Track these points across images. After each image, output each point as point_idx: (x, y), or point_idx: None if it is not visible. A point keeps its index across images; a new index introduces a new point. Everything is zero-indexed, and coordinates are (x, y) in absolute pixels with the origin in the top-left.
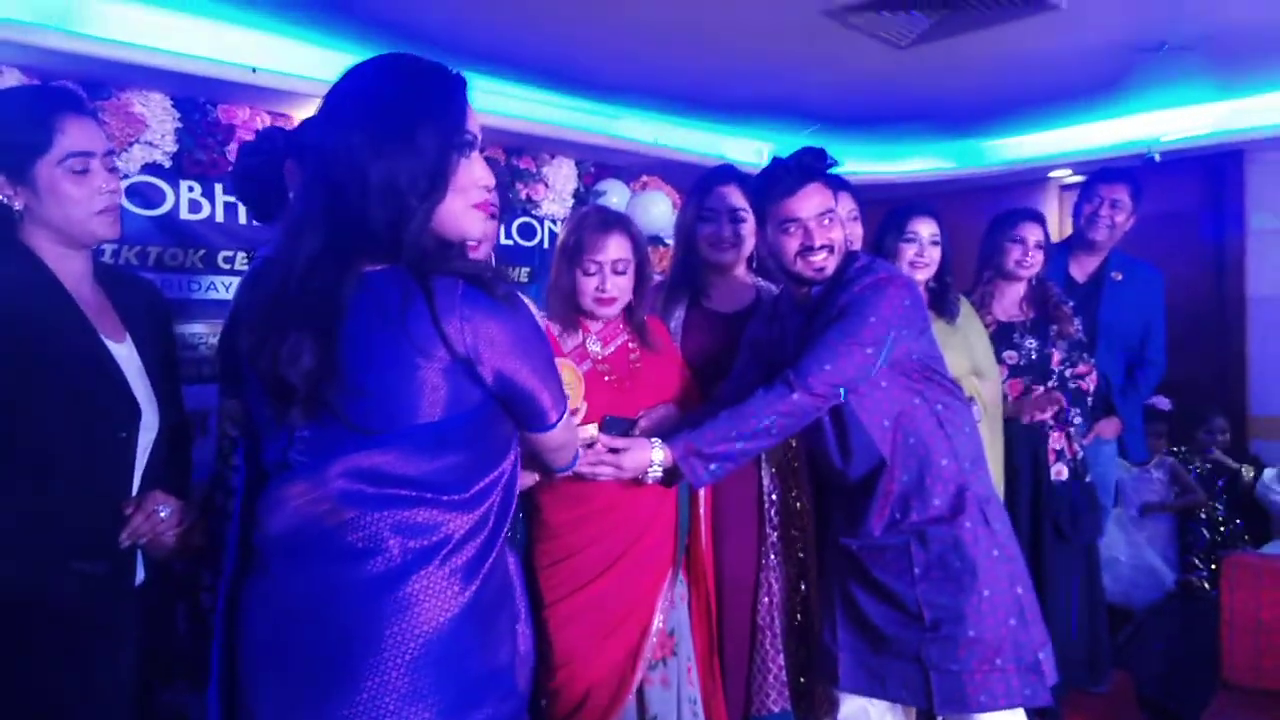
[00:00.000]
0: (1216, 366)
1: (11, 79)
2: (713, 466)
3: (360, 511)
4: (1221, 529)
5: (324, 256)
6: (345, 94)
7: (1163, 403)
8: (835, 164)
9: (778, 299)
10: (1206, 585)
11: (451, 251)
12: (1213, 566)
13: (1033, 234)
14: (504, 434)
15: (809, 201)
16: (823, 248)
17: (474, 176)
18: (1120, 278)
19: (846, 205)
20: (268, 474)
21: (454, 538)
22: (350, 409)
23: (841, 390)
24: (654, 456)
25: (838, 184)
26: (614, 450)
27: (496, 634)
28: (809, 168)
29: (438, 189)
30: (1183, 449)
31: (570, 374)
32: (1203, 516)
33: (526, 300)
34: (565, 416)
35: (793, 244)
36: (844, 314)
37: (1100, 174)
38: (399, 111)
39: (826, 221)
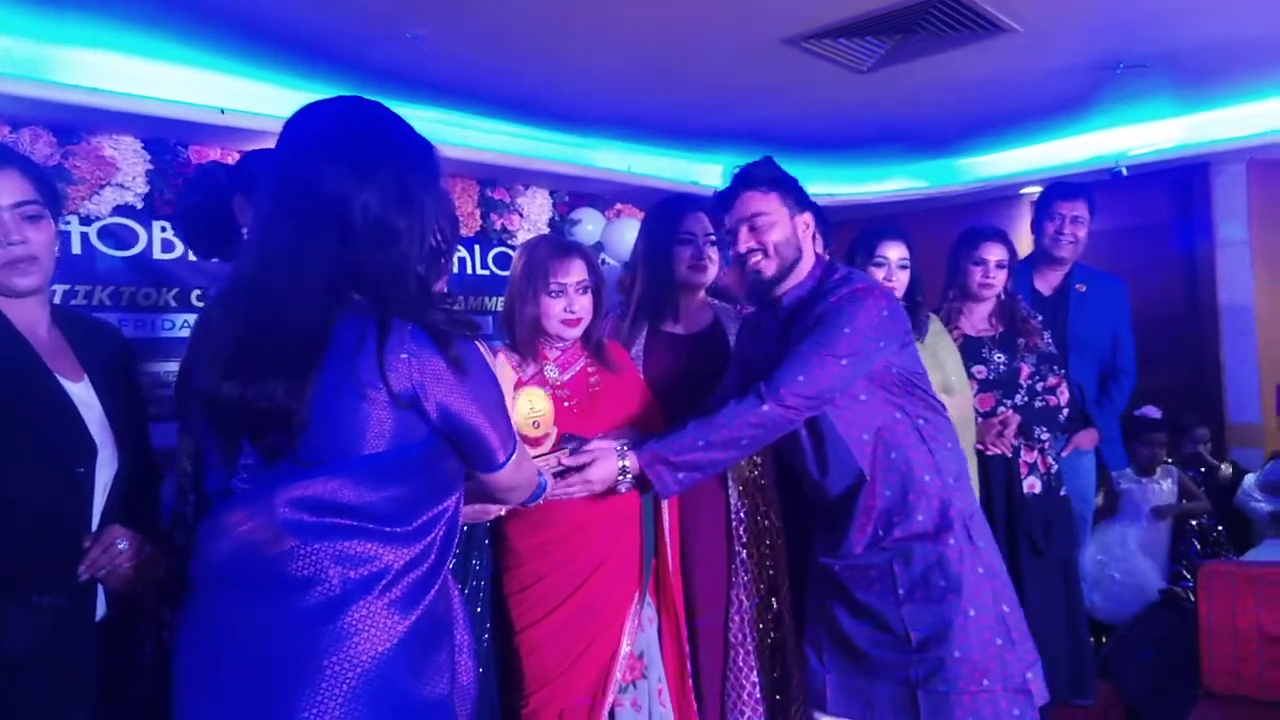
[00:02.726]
0: (1194, 377)
1: None
2: (680, 475)
3: (301, 540)
4: (1211, 535)
5: (307, 293)
6: (321, 140)
7: (1152, 411)
8: (777, 172)
9: (758, 313)
10: (1191, 595)
11: (432, 299)
12: None
13: (994, 254)
14: (450, 469)
15: (737, 210)
16: (751, 251)
17: None
18: (1084, 289)
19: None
20: (209, 502)
21: (393, 568)
22: (296, 442)
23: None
24: (622, 464)
25: (773, 186)
26: (580, 467)
27: (436, 665)
28: (744, 175)
29: (426, 240)
30: (1169, 460)
31: (542, 401)
32: (1193, 525)
33: (478, 343)
34: (515, 457)
35: (736, 252)
36: (819, 324)
37: (1058, 191)
38: (391, 159)
39: (756, 225)
